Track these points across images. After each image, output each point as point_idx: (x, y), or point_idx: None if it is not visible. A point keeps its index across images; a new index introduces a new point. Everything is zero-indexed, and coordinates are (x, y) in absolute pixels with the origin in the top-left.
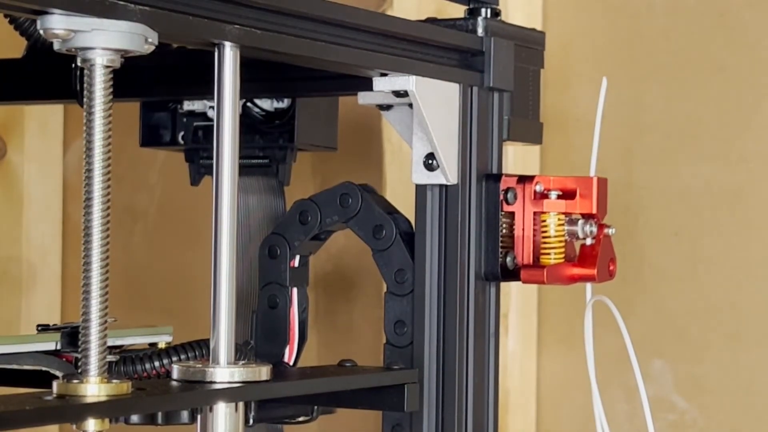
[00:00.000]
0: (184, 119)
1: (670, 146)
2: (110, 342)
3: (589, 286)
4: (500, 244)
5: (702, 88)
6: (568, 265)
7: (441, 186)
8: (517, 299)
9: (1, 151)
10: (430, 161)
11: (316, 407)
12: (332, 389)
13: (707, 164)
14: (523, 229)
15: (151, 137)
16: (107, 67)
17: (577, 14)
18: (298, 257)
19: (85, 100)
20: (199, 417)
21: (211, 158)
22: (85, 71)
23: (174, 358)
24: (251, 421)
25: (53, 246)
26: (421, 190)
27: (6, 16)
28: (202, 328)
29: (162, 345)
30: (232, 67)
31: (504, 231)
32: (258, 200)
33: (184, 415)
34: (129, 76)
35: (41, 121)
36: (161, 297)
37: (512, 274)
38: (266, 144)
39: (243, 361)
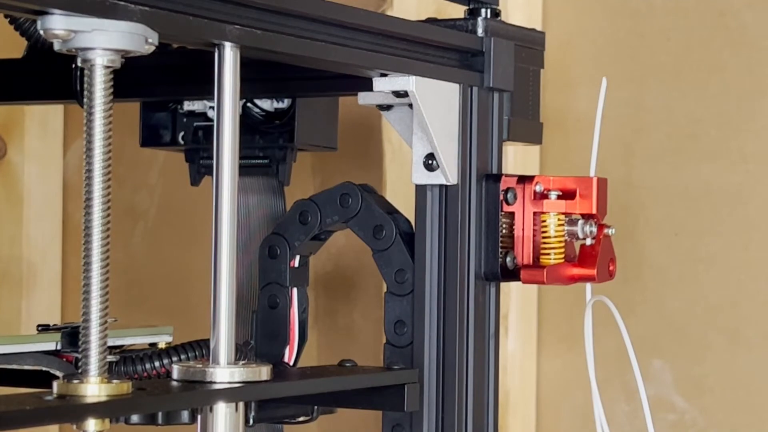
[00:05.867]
0: (184, 119)
1: (670, 146)
2: (110, 342)
3: (589, 286)
4: (500, 244)
5: (702, 88)
6: (568, 265)
7: (441, 186)
8: (517, 299)
9: (2, 151)
10: (430, 161)
11: (316, 407)
12: (332, 389)
13: (707, 164)
14: (523, 229)
15: (151, 137)
16: (107, 67)
17: (577, 14)
18: (298, 257)
19: (85, 100)
20: (199, 417)
21: (211, 158)
22: (86, 71)
23: (174, 358)
24: (251, 421)
25: (53, 246)
26: (421, 190)
27: (6, 16)
28: (202, 328)
29: (162, 345)
30: (232, 68)
31: (504, 231)
32: (258, 200)
33: (185, 415)
34: (129, 76)
35: (41, 121)
36: (161, 297)
37: (512, 274)
38: (266, 144)
39: (243, 361)
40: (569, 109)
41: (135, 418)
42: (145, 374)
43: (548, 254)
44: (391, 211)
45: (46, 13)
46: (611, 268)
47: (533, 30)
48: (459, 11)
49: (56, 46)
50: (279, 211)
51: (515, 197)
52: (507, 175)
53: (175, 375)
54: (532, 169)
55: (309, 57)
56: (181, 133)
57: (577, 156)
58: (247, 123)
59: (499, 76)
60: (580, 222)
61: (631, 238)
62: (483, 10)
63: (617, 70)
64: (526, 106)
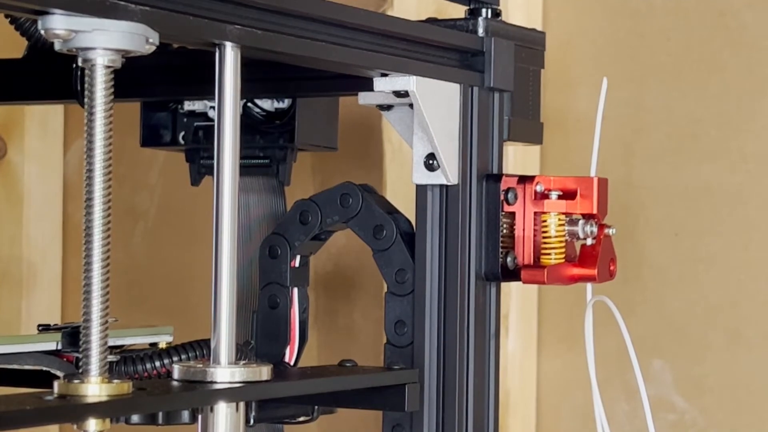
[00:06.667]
0: (185, 119)
1: (670, 146)
2: (111, 342)
3: (589, 286)
4: (500, 244)
5: (702, 88)
6: (569, 265)
7: (441, 186)
8: (517, 299)
9: (2, 151)
10: (430, 161)
11: (316, 407)
12: (332, 389)
13: (707, 164)
14: (523, 230)
15: (151, 137)
16: (108, 67)
17: (577, 14)
18: (298, 257)
19: (85, 100)
20: (199, 417)
21: (212, 158)
22: (86, 71)
23: (174, 358)
24: (252, 421)
25: (53, 246)
26: (421, 190)
27: (7, 16)
28: (202, 328)
29: (162, 345)
30: (232, 68)
31: (504, 231)
32: (258, 200)
33: (185, 415)
34: (130, 76)
35: (41, 121)
36: (161, 297)
37: (512, 274)
38: (266, 144)
39: (244, 361)
40: (569, 109)
41: (135, 418)
42: (146, 374)
43: (549, 254)
44: (392, 211)
45: (46, 12)
46: (612, 268)
47: (533, 30)
48: (459, 11)
49: (57, 46)
50: (279, 211)
51: (516, 197)
52: (507, 175)
53: (175, 375)
54: (533, 169)
55: (309, 57)
56: (182, 133)
57: (578, 156)
58: (248, 123)
59: (499, 76)
60: (581, 222)
61: (631, 238)
62: (483, 10)
63: (617, 70)
64: (526, 106)
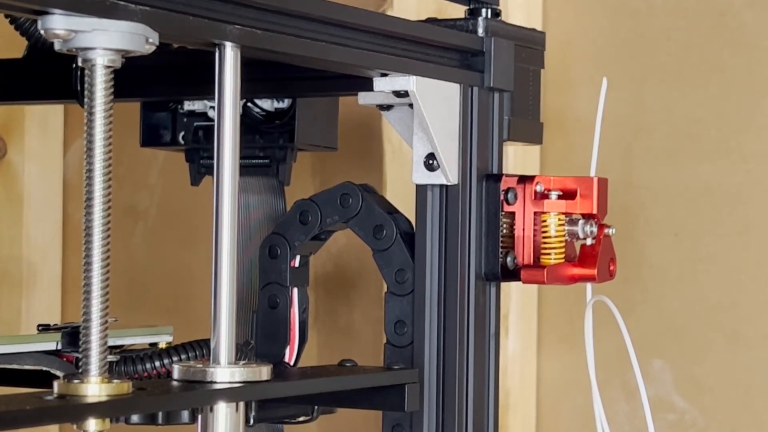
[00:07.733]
0: (185, 119)
1: (670, 146)
2: (111, 342)
3: (589, 286)
4: (500, 244)
5: (702, 88)
6: (569, 265)
7: (441, 186)
8: (517, 299)
9: (2, 151)
10: (430, 161)
11: (316, 407)
12: (332, 389)
13: (707, 164)
14: (523, 229)
15: (151, 137)
16: (108, 67)
17: (577, 14)
18: (298, 257)
19: (85, 100)
20: (199, 417)
21: (212, 158)
22: (86, 71)
23: (174, 358)
24: (252, 421)
25: (53, 246)
26: (421, 190)
27: (6, 16)
28: (202, 328)
29: (162, 345)
30: (232, 68)
31: (504, 231)
32: (258, 200)
33: (185, 414)
34: (130, 76)
35: (41, 121)
36: (161, 297)
37: (512, 274)
38: (266, 144)
39: (243, 361)
40: (569, 109)
41: (135, 418)
42: (146, 374)
43: (548, 254)
44: (392, 211)
45: (46, 13)
46: (611, 268)
47: (533, 30)
48: (459, 11)
49: (57, 46)
50: (279, 211)
51: (516, 197)
52: (507, 175)
53: (175, 375)
54: (532, 169)
55: (309, 57)
56: (182, 133)
57: (577, 156)
58: (248, 123)
59: (499, 76)
60: (581, 222)
61: (631, 238)
62: (483, 10)
63: (617, 70)
64: (526, 106)
